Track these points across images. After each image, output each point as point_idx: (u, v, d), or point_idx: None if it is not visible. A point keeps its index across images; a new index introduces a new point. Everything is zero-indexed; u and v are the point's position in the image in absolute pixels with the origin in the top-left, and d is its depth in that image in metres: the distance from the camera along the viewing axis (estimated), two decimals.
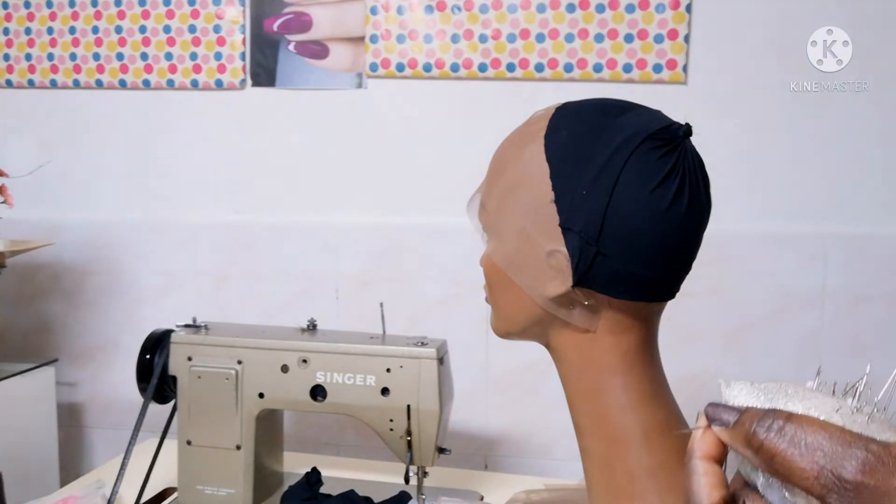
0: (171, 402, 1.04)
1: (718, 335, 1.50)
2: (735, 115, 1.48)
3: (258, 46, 1.60)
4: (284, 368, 0.99)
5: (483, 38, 1.51)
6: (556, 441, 1.55)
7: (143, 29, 1.63)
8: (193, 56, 1.62)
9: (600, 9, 1.46)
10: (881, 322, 1.46)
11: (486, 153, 0.66)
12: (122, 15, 1.63)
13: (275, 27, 1.58)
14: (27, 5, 1.66)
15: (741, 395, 0.35)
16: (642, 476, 0.57)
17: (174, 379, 1.02)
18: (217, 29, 1.60)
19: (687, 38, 1.46)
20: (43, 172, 1.55)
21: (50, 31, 1.66)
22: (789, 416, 0.32)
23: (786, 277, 1.49)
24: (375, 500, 1.04)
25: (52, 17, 1.66)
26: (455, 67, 1.53)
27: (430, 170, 1.57)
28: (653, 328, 0.60)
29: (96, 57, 1.66)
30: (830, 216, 1.48)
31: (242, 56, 1.60)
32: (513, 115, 0.71)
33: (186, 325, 1.06)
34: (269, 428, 1.07)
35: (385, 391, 0.96)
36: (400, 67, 1.55)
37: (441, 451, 0.98)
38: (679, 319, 1.36)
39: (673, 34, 1.45)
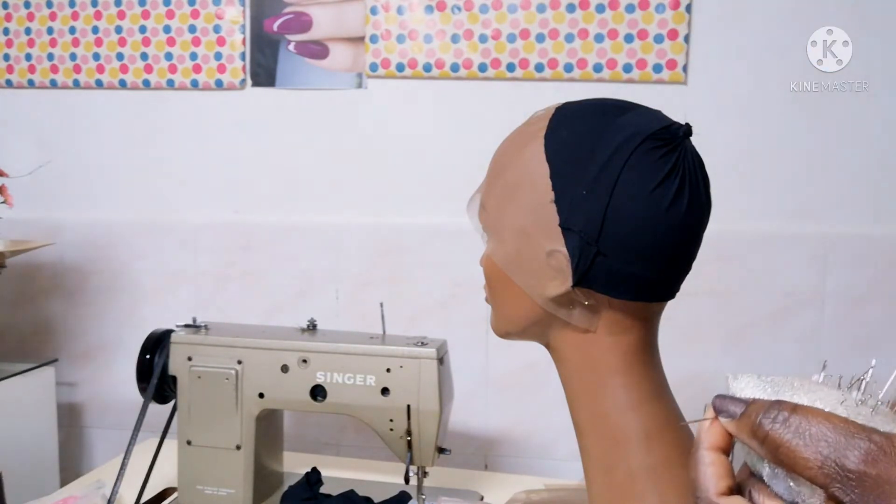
0: (171, 402, 1.04)
1: (718, 335, 1.50)
2: (735, 115, 1.48)
3: (258, 46, 1.60)
4: (284, 368, 0.99)
5: (483, 38, 1.51)
6: (556, 441, 1.55)
7: (143, 29, 1.63)
8: (193, 56, 1.62)
9: (600, 9, 1.46)
10: (881, 322, 1.46)
11: (486, 153, 0.66)
12: (122, 15, 1.63)
13: (275, 27, 1.58)
14: (27, 5, 1.66)
15: (748, 388, 0.36)
16: (642, 476, 0.56)
17: (174, 379, 1.02)
18: (217, 29, 1.60)
19: (687, 38, 1.46)
20: (43, 172, 1.56)
21: (50, 31, 1.66)
22: (794, 408, 0.32)
23: (786, 277, 1.49)
24: (375, 500, 1.04)
25: (52, 17, 1.66)
26: (455, 67, 1.53)
27: (430, 170, 1.57)
28: (653, 328, 0.60)
29: (96, 57, 1.66)
30: (830, 216, 1.48)
31: (242, 56, 1.60)
32: (513, 115, 0.71)
33: (186, 325, 1.06)
34: (269, 428, 1.07)
35: (385, 391, 0.96)
36: (400, 67, 1.55)
37: (441, 451, 0.98)
38: (679, 319, 1.35)
39: (673, 34, 1.45)
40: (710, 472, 0.35)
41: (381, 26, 1.54)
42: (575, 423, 0.61)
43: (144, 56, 1.64)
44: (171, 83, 1.64)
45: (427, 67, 1.54)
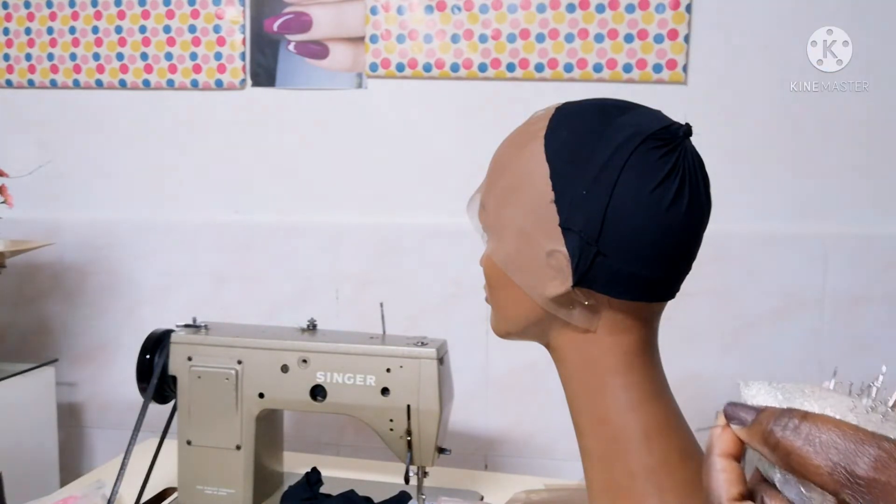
0: (171, 402, 1.04)
1: (718, 335, 1.50)
2: (735, 115, 1.48)
3: (258, 46, 1.60)
4: (284, 368, 0.99)
5: (483, 38, 1.51)
6: (556, 441, 1.55)
7: (143, 29, 1.63)
8: (193, 56, 1.62)
9: (600, 9, 1.46)
10: (881, 322, 1.46)
11: (485, 153, 0.66)
12: (122, 15, 1.63)
13: (275, 27, 1.58)
14: (27, 5, 1.66)
15: (759, 395, 0.36)
16: (642, 476, 0.56)
17: (174, 379, 1.02)
18: (217, 29, 1.60)
19: (687, 38, 1.46)
20: (43, 172, 1.56)
21: (50, 31, 1.66)
22: (805, 415, 0.33)
23: (786, 277, 1.49)
24: (375, 500, 1.04)
25: (52, 17, 1.66)
26: (455, 67, 1.53)
27: (431, 170, 1.57)
28: (653, 328, 0.60)
29: (96, 57, 1.66)
30: (830, 216, 1.48)
31: (242, 56, 1.60)
32: (513, 115, 0.71)
33: (186, 325, 1.06)
34: (269, 428, 1.07)
35: (385, 391, 0.96)
36: (400, 67, 1.55)
37: (441, 451, 0.98)
38: (679, 319, 1.35)
39: (673, 34, 1.45)
40: (723, 478, 0.35)
41: (381, 26, 1.54)
42: (575, 423, 0.61)
43: (144, 56, 1.64)
44: (171, 83, 1.64)
45: (427, 67, 1.54)
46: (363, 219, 1.61)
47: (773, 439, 0.33)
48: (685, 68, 1.46)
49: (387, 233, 1.60)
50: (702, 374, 1.49)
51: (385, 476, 1.16)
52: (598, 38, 1.47)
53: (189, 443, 1.02)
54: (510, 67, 1.51)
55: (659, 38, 1.45)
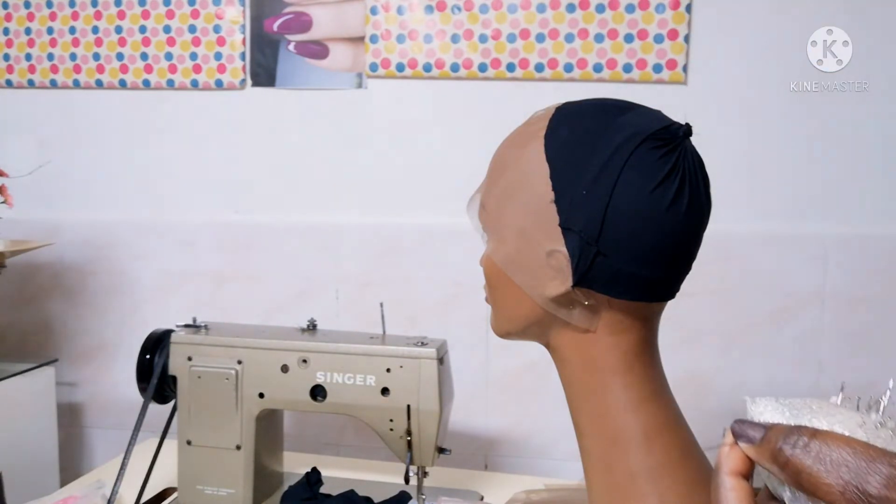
0: (171, 402, 1.04)
1: (718, 335, 1.50)
2: (735, 115, 1.48)
3: (258, 46, 1.60)
4: (284, 368, 0.99)
5: (483, 38, 1.51)
6: (556, 441, 1.55)
7: (143, 29, 1.63)
8: (193, 56, 1.62)
9: (600, 9, 1.46)
10: (881, 322, 1.46)
11: (485, 153, 0.66)
12: (122, 15, 1.63)
13: (275, 27, 1.58)
14: (27, 5, 1.66)
15: (766, 412, 0.36)
16: (642, 476, 0.56)
17: (174, 379, 1.02)
18: (217, 29, 1.60)
19: (687, 38, 1.46)
20: (43, 172, 1.56)
21: (50, 31, 1.66)
22: (814, 433, 0.32)
23: (786, 277, 1.49)
24: (375, 500, 1.04)
25: (52, 17, 1.66)
26: (455, 67, 1.53)
27: (431, 170, 1.57)
28: (653, 328, 0.60)
29: (96, 57, 1.66)
30: (830, 216, 1.48)
31: (242, 56, 1.60)
32: (513, 115, 0.71)
33: (186, 325, 1.06)
34: (269, 428, 1.07)
35: (385, 391, 0.96)
36: (400, 67, 1.55)
37: (441, 451, 0.99)
38: (679, 319, 1.36)
39: (673, 34, 1.45)
40: (732, 496, 0.35)
41: (381, 26, 1.54)
42: (575, 423, 0.61)
43: (144, 56, 1.64)
44: (171, 83, 1.64)
45: (427, 67, 1.54)
46: (363, 219, 1.61)
47: (782, 457, 0.33)
48: (685, 68, 1.46)
49: (387, 233, 1.60)
50: (702, 374, 1.49)
51: (385, 476, 1.16)
52: (598, 38, 1.47)
53: (189, 443, 1.02)
54: (510, 67, 1.51)
55: (659, 38, 1.45)
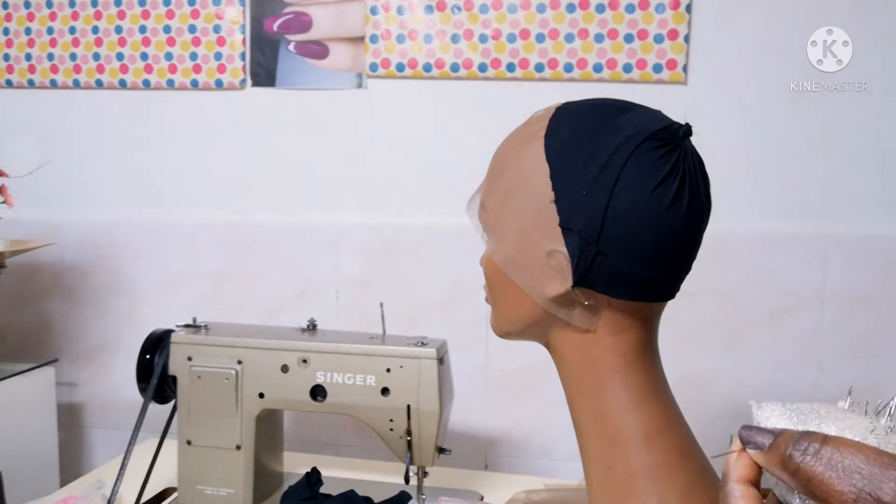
0: (171, 402, 1.04)
1: (718, 335, 1.50)
2: (735, 114, 1.48)
3: (258, 46, 1.60)
4: (284, 368, 0.99)
5: (483, 38, 1.51)
6: (556, 441, 1.55)
7: (143, 29, 1.63)
8: (193, 56, 1.62)
9: (600, 9, 1.46)
10: (881, 322, 1.46)
11: (485, 153, 0.66)
12: (122, 15, 1.63)
13: (275, 27, 1.58)
14: (27, 5, 1.66)
15: (773, 417, 0.35)
16: (642, 476, 0.56)
17: (174, 379, 1.02)
18: (217, 29, 1.60)
19: (687, 38, 1.46)
20: (43, 172, 1.55)
21: (50, 31, 1.66)
22: (825, 439, 0.32)
23: (786, 277, 1.49)
24: (375, 500, 1.04)
25: (52, 17, 1.66)
26: (455, 67, 1.53)
27: (430, 170, 1.57)
28: (653, 328, 0.60)
29: (96, 57, 1.66)
30: (830, 216, 1.48)
31: (242, 56, 1.60)
32: (513, 115, 0.71)
33: (186, 325, 1.06)
34: (269, 428, 1.07)
35: (385, 391, 0.96)
36: (400, 67, 1.55)
37: (441, 451, 0.98)
38: (679, 319, 1.36)
39: (673, 34, 1.45)
40: None
41: (381, 26, 1.54)
42: (575, 423, 0.61)
43: (144, 56, 1.64)
44: (171, 83, 1.64)
45: (427, 67, 1.54)
46: (363, 219, 1.61)
47: (792, 464, 0.32)
48: (685, 68, 1.46)
49: (387, 233, 1.60)
50: (702, 374, 1.49)
51: (385, 476, 1.16)
52: (598, 38, 1.47)
53: (189, 443, 1.02)
54: (510, 67, 1.51)
55: (659, 38, 1.45)
